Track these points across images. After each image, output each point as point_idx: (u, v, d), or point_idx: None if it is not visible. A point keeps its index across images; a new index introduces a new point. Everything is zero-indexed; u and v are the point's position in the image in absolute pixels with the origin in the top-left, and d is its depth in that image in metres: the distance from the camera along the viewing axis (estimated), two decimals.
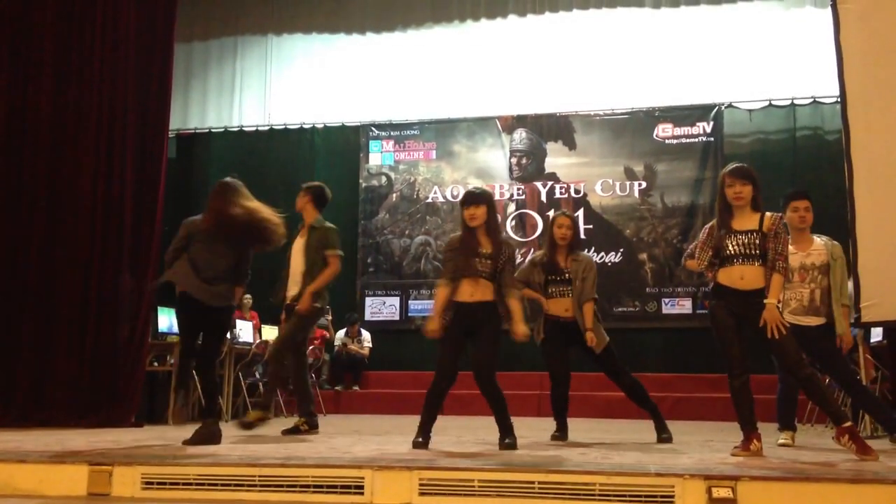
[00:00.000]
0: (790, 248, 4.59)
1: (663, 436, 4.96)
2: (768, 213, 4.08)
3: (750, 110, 10.48)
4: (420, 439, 4.34)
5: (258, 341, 8.09)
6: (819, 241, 4.84)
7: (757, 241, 4.00)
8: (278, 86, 11.51)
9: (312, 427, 5.44)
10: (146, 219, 6.41)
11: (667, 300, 10.08)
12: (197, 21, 11.22)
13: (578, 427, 5.14)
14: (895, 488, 3.01)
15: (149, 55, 6.68)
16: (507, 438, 4.32)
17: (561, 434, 5.09)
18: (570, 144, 11.05)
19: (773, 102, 10.31)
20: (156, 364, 6.92)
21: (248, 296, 9.27)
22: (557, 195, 10.96)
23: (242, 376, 7.68)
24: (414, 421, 4.54)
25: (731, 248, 4.03)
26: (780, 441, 4.74)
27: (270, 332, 8.71)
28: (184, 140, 11.49)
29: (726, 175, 4.14)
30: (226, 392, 7.23)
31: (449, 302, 4.42)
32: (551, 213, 10.71)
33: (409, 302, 10.98)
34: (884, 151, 5.58)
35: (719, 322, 4.06)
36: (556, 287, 5.14)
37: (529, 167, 11.14)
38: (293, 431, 5.34)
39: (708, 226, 4.24)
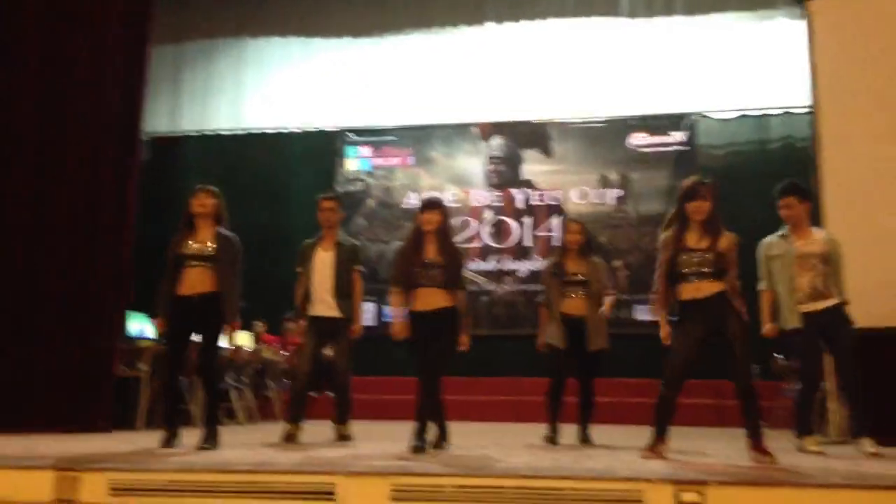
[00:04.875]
0: (791, 238, 4.76)
1: (584, 436, 5.28)
2: (726, 234, 4.09)
3: (722, 120, 10.62)
4: (416, 444, 4.35)
5: (231, 347, 8.02)
6: (818, 232, 4.89)
7: (710, 259, 4.03)
8: (254, 90, 11.43)
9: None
10: (119, 223, 6.34)
11: (640, 307, 10.15)
12: (171, 23, 11.11)
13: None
14: (862, 493, 3.06)
15: (124, 58, 6.62)
16: (418, 441, 4.34)
17: (554, 435, 5.22)
18: (547, 152, 11.12)
19: (746, 112, 10.46)
20: (126, 369, 6.83)
21: None
22: (534, 202, 11.00)
23: None
24: (388, 426, 4.55)
25: (685, 266, 4.06)
26: (813, 448, 4.65)
27: (243, 338, 8.66)
28: (158, 144, 11.39)
29: (689, 188, 4.19)
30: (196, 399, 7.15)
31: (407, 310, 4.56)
32: (527, 220, 11.03)
33: (385, 308, 10.95)
34: (853, 160, 5.70)
35: (683, 339, 4.09)
36: (568, 288, 5.34)
37: (506, 174, 11.19)
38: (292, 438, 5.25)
39: (662, 243, 4.25)
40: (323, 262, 5.38)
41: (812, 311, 4.60)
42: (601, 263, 5.55)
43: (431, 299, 4.50)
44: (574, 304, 5.30)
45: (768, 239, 4.85)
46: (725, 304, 4.01)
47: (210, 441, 4.52)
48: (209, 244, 4.67)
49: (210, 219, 4.72)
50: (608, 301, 5.35)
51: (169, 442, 4.53)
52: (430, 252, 4.55)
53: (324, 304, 5.33)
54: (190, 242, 4.67)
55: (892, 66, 5.59)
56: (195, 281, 4.60)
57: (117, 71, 6.58)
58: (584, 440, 5.29)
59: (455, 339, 4.57)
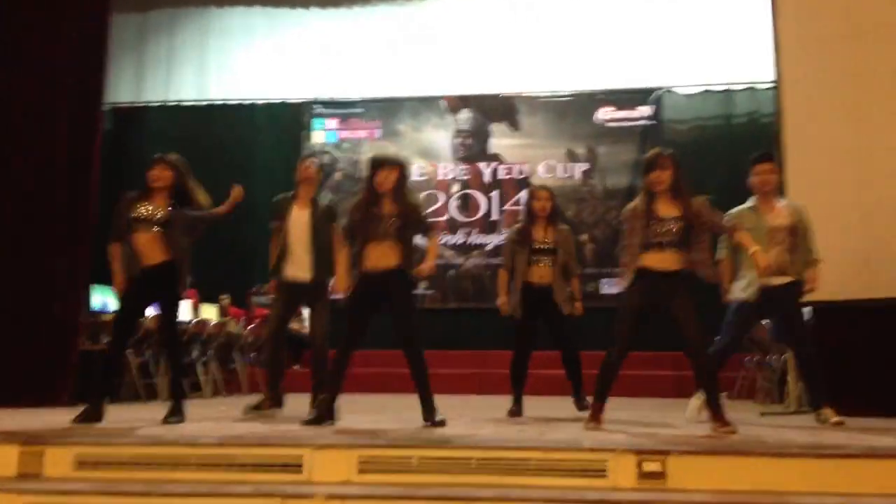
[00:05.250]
0: (760, 211, 4.73)
1: (582, 403, 5.21)
2: (695, 198, 4.15)
3: (688, 95, 10.70)
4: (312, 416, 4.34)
5: (196, 320, 7.97)
6: (782, 203, 4.84)
7: (674, 229, 4.09)
8: (218, 60, 11.23)
9: (277, 404, 5.29)
10: (80, 194, 6.23)
11: (606, 280, 10.26)
12: None
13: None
14: (818, 461, 3.15)
15: (83, 26, 6.48)
16: (437, 415, 4.25)
17: (518, 409, 5.22)
18: (514, 126, 11.12)
19: (711, 87, 10.55)
20: (89, 343, 6.77)
21: None
22: (501, 176, 11.02)
23: None
24: (356, 399, 4.58)
25: (655, 234, 4.12)
26: (834, 420, 4.48)
27: (209, 311, 8.60)
28: (119, 114, 11.18)
29: (648, 159, 4.25)
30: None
31: (355, 270, 4.36)
32: (495, 194, 11.06)
33: None
34: (816, 135, 5.78)
35: (632, 302, 4.17)
36: (536, 255, 5.20)
37: (474, 147, 11.18)
38: (258, 408, 5.20)
39: (630, 214, 4.28)
40: (299, 221, 5.16)
41: (769, 286, 4.64)
42: (568, 231, 5.44)
43: (382, 257, 4.27)
44: (540, 272, 5.18)
45: (737, 210, 4.80)
46: (680, 283, 4.09)
47: (176, 414, 4.50)
48: (160, 212, 4.54)
49: (165, 192, 4.59)
50: (575, 286, 5.37)
51: (89, 416, 4.33)
52: (387, 206, 4.32)
53: (299, 265, 5.12)
54: (141, 207, 4.54)
55: (854, 42, 5.64)
56: (146, 249, 4.51)
57: (76, 39, 6.44)
58: (583, 408, 5.12)
59: (412, 298, 4.42)
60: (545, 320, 5.24)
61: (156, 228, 4.52)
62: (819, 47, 5.84)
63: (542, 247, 5.21)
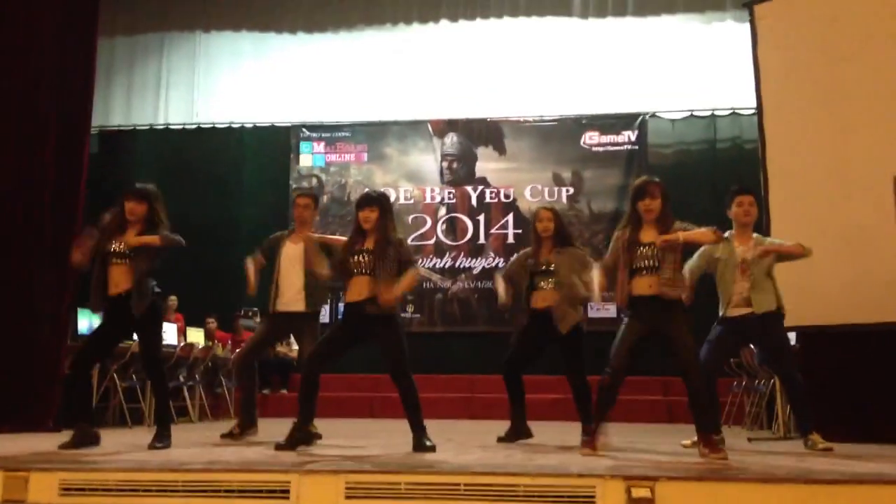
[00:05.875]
0: (734, 243, 4.74)
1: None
2: (676, 225, 4.17)
3: (672, 120, 10.82)
4: (283, 442, 4.28)
5: (182, 344, 7.93)
6: (755, 237, 4.86)
7: (657, 254, 4.11)
8: (206, 84, 11.31)
9: (250, 424, 5.29)
10: (67, 217, 6.21)
11: (592, 305, 10.27)
12: (122, 15, 10.95)
13: (504, 429, 5.21)
14: (805, 487, 3.15)
15: (71, 50, 6.48)
16: (427, 441, 4.27)
17: (522, 429, 5.11)
18: (500, 150, 11.19)
19: (695, 113, 10.68)
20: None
21: (172, 297, 9.08)
22: (488, 199, 11.07)
23: None
24: (343, 425, 4.54)
25: (639, 260, 4.15)
26: (821, 446, 4.49)
27: (195, 335, 8.56)
28: (107, 137, 11.19)
29: (639, 186, 4.27)
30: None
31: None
32: (481, 218, 11.10)
33: (340, 305, 10.90)
34: (797, 161, 5.84)
35: (630, 329, 4.18)
36: (538, 279, 5.02)
37: (460, 171, 11.23)
38: (231, 435, 5.21)
39: (613, 241, 4.33)
40: (290, 255, 5.22)
41: (737, 316, 4.67)
42: (573, 252, 5.10)
43: (364, 290, 4.34)
44: (542, 295, 4.95)
45: None
46: (672, 306, 4.11)
47: (162, 440, 4.47)
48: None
49: (140, 224, 4.60)
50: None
51: (82, 440, 4.37)
52: (367, 243, 4.43)
53: (289, 298, 5.17)
54: (116, 240, 4.55)
55: (833, 69, 5.72)
56: (120, 279, 4.51)
57: (62, 62, 6.44)
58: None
59: (396, 327, 4.40)
60: (554, 344, 4.97)
61: (128, 262, 4.52)
62: (799, 74, 5.93)
63: (543, 268, 5.01)
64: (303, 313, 5.18)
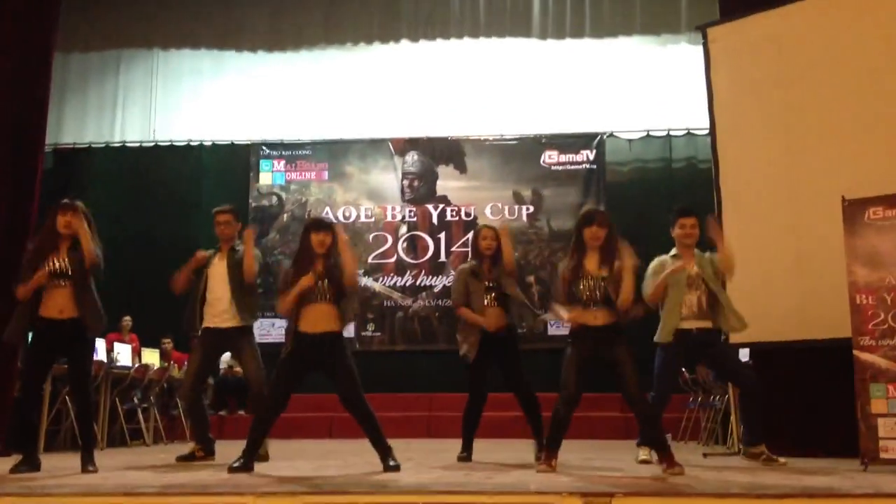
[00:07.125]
0: (682, 260, 4.80)
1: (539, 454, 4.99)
2: (621, 251, 4.21)
3: (630, 140, 10.99)
4: (236, 464, 4.24)
5: (137, 365, 7.79)
6: (699, 254, 4.93)
7: (604, 286, 4.18)
8: (164, 101, 11.21)
9: (209, 453, 5.26)
10: (19, 235, 6.09)
11: (553, 322, 10.34)
12: (77, 31, 10.80)
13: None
14: (758, 502, 3.20)
15: (25, 65, 6.39)
16: (391, 461, 4.29)
17: (468, 454, 5.10)
18: (461, 168, 11.25)
19: (651, 133, 10.87)
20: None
21: (127, 318, 8.94)
22: (448, 217, 11.11)
23: (119, 402, 7.36)
24: (301, 445, 4.51)
25: (584, 292, 4.21)
26: (766, 456, 4.66)
27: (151, 356, 8.42)
28: (61, 154, 11.01)
29: (585, 215, 4.35)
30: (101, 419, 6.91)
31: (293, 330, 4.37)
32: (442, 236, 11.13)
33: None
34: (748, 180, 5.95)
35: (575, 357, 4.24)
36: (488, 296, 5.02)
37: (421, 189, 11.26)
38: (189, 458, 5.15)
39: (561, 273, 4.36)
40: (217, 272, 5.22)
41: (688, 329, 4.74)
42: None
43: (320, 320, 4.33)
44: (492, 315, 4.96)
45: (662, 258, 4.92)
46: (616, 335, 4.18)
47: (90, 463, 4.37)
48: (67, 262, 4.45)
49: (70, 240, 4.49)
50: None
51: (22, 467, 4.33)
52: (320, 270, 4.39)
53: (220, 314, 5.16)
54: (52, 259, 4.44)
55: (782, 92, 5.83)
56: (65, 304, 4.41)
57: (17, 78, 6.34)
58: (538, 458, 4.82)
59: (348, 359, 4.38)
60: (498, 364, 5.05)
61: (66, 283, 4.43)
62: (750, 96, 6.04)
63: (488, 284, 5.03)
64: (235, 328, 5.17)
